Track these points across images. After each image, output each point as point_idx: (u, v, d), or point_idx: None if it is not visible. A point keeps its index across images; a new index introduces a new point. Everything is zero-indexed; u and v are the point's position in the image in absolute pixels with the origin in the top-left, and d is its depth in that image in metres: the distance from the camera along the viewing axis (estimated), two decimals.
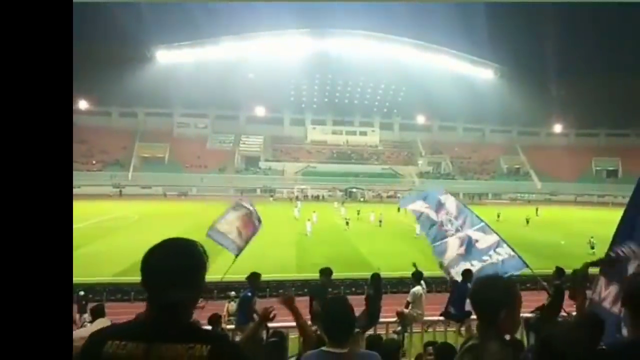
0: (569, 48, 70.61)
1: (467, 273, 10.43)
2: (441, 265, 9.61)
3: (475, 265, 9.06)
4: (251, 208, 10.95)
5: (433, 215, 9.79)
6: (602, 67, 76.71)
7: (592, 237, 28.80)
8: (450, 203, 9.85)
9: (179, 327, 1.80)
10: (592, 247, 27.91)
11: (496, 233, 9.21)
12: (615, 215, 6.60)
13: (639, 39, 64.98)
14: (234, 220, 10.51)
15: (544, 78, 78.64)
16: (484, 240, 9.15)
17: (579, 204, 75.64)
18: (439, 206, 9.88)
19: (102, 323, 6.01)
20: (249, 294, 9.61)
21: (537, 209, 52.23)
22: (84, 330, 5.35)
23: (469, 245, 9.23)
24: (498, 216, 42.03)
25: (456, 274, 9.32)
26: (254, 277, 9.89)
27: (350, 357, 2.93)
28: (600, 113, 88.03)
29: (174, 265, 1.82)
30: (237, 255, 10.22)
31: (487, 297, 2.35)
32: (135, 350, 1.72)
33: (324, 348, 3.03)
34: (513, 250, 8.92)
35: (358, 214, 45.31)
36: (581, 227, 37.07)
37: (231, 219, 10.54)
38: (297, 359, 4.30)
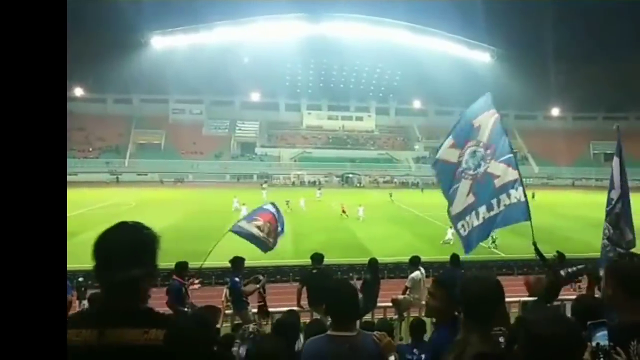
0: (567, 30, 70.22)
1: (454, 259, 10.47)
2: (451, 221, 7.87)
3: (479, 219, 7.32)
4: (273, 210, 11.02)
5: (453, 157, 7.67)
6: (600, 49, 76.35)
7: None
8: (485, 127, 7.69)
9: (132, 310, 1.78)
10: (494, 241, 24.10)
11: (518, 170, 7.40)
12: None
13: (637, 21, 64.61)
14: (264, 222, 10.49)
15: (542, 61, 78.05)
16: (505, 176, 7.32)
17: (576, 188, 75.82)
18: (469, 135, 7.66)
19: None
20: (237, 279, 9.67)
21: (533, 193, 52.01)
22: None
23: (483, 186, 7.37)
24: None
25: (459, 231, 7.61)
26: (239, 261, 9.96)
27: (358, 340, 2.93)
28: (598, 96, 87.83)
29: (119, 243, 1.82)
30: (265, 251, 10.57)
31: (475, 296, 2.45)
32: (89, 336, 1.70)
33: (329, 332, 3.04)
34: (525, 195, 7.24)
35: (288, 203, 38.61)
36: (578, 211, 37.18)
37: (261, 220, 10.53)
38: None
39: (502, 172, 7.28)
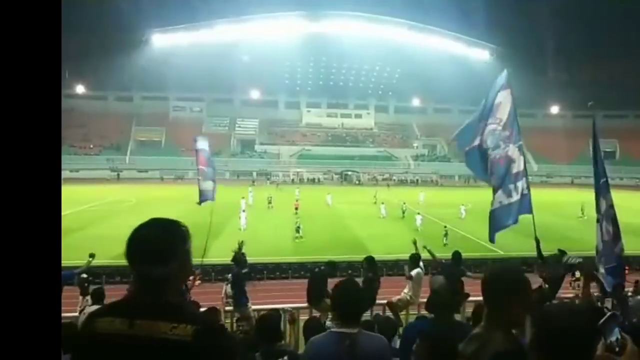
0: (566, 28, 70.10)
1: (456, 256, 10.53)
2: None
3: (494, 204, 7.20)
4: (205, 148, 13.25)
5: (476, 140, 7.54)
6: (600, 47, 76.23)
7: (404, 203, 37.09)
8: (505, 105, 7.64)
9: (163, 304, 1.82)
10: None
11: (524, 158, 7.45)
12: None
13: (637, 19, 64.52)
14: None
15: (541, 59, 78.04)
16: (519, 163, 7.38)
17: (575, 186, 75.75)
18: (490, 112, 7.53)
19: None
20: (243, 271, 9.93)
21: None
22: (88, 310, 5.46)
23: (501, 168, 7.33)
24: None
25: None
26: (241, 256, 10.15)
27: (360, 337, 2.95)
28: (597, 94, 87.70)
29: (152, 238, 1.88)
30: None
31: (498, 288, 2.35)
32: (121, 325, 1.75)
33: (333, 329, 3.09)
34: (528, 188, 7.41)
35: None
36: (577, 209, 37.25)
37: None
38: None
39: (517, 158, 7.35)
